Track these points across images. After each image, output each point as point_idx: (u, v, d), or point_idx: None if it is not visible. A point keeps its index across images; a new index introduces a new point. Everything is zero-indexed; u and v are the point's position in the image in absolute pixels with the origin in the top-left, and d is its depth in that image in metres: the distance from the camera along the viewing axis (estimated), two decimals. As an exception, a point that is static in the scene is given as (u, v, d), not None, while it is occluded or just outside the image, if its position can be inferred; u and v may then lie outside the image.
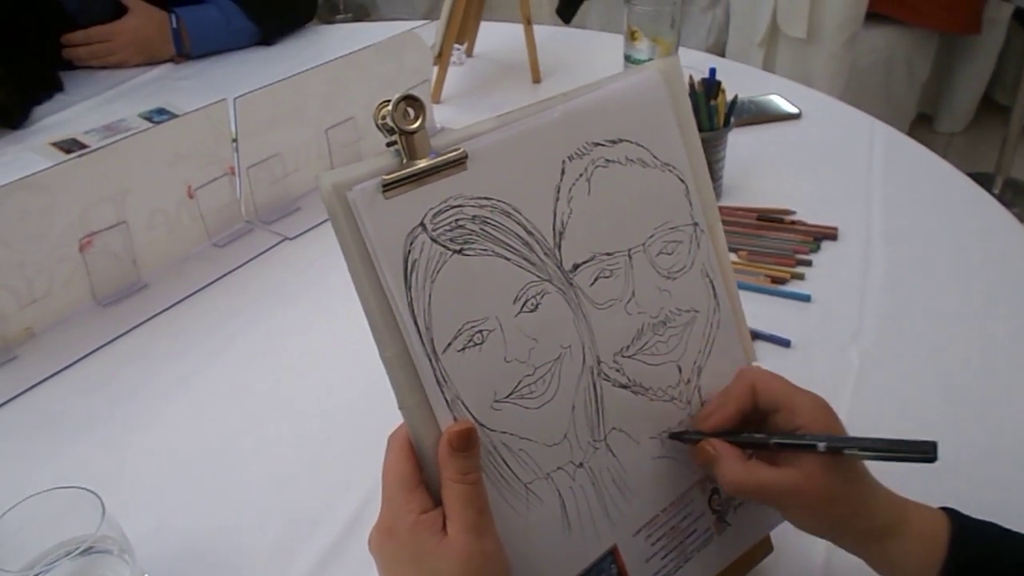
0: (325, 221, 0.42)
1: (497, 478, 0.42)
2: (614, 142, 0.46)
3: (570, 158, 0.45)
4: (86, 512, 0.52)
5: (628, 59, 1.20)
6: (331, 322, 0.81)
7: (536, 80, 1.36)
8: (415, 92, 0.39)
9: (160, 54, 1.47)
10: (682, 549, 0.49)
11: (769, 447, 0.46)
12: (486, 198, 0.42)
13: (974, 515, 0.46)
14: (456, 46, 1.35)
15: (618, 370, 0.46)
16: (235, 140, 0.94)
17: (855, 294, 0.83)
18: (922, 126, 2.71)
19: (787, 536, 0.49)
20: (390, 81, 1.08)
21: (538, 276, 0.43)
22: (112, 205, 0.85)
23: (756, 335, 0.76)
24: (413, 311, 0.40)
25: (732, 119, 0.95)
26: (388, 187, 0.39)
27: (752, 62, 2.21)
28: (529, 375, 0.43)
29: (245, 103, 0.92)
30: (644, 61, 1.16)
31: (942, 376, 0.72)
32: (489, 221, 0.42)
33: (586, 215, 0.45)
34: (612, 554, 0.46)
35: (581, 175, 0.45)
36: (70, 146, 1.17)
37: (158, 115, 1.26)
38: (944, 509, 0.46)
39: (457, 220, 0.41)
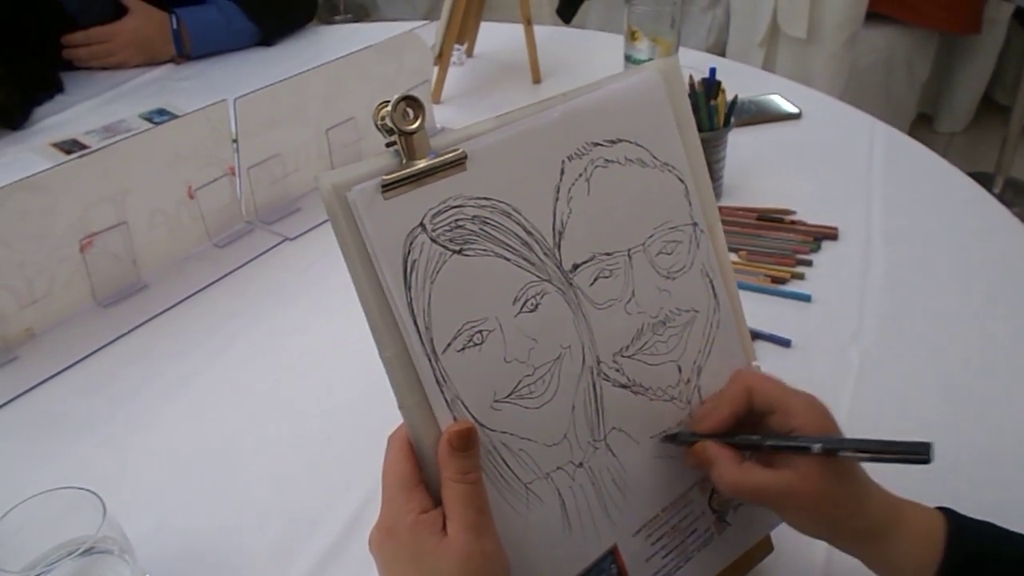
0: (325, 221, 0.42)
1: (497, 478, 0.42)
2: (613, 142, 0.46)
3: (569, 158, 0.45)
4: (87, 512, 0.52)
5: (628, 59, 1.20)
6: (331, 322, 0.81)
7: (536, 80, 1.36)
8: (415, 92, 0.39)
9: (160, 55, 1.47)
10: (682, 549, 0.49)
11: (763, 449, 0.46)
12: (486, 198, 0.42)
13: (975, 515, 0.46)
14: (456, 46, 1.35)
15: (618, 370, 0.46)
16: (235, 140, 0.94)
17: (855, 294, 0.83)
18: (922, 126, 2.71)
19: (787, 536, 0.49)
20: (390, 81, 1.08)
21: (538, 276, 0.43)
22: (112, 206, 0.85)
23: (756, 335, 0.76)
24: (413, 311, 0.40)
25: (732, 119, 0.95)
26: (388, 187, 0.39)
27: (752, 62, 2.20)
28: (529, 375, 0.43)
29: (245, 104, 0.92)
30: (644, 61, 1.16)
31: (942, 376, 0.72)
32: (489, 221, 0.42)
33: (586, 215, 0.45)
34: (612, 554, 0.47)
35: (580, 175, 0.45)
36: (70, 147, 1.17)
37: (158, 116, 1.26)
38: (940, 509, 0.46)
39: (457, 220, 0.41)
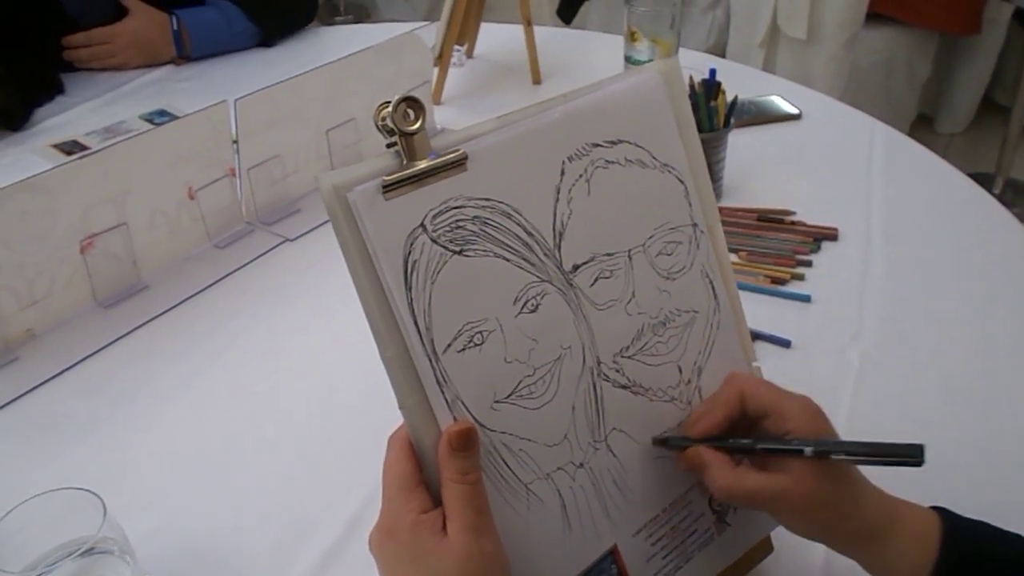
0: (325, 222, 0.42)
1: (497, 478, 0.42)
2: (613, 143, 0.46)
3: (570, 159, 0.45)
4: (87, 513, 0.52)
5: (628, 60, 1.20)
6: (331, 323, 0.81)
7: (536, 81, 1.36)
8: (415, 93, 0.39)
9: (161, 56, 1.47)
10: (682, 549, 0.50)
11: (756, 453, 0.46)
12: (486, 199, 0.42)
13: (974, 516, 0.46)
14: (456, 47, 1.35)
15: (618, 371, 0.46)
16: (235, 141, 0.94)
17: (855, 294, 0.83)
18: (922, 127, 2.71)
19: (787, 537, 0.49)
20: (390, 82, 1.08)
21: (538, 277, 0.43)
22: (113, 206, 0.85)
23: (756, 336, 0.76)
24: (413, 312, 0.40)
25: (732, 120, 0.95)
26: (388, 188, 0.39)
27: (752, 63, 2.20)
28: (529, 376, 0.43)
29: (245, 104, 0.92)
30: (644, 62, 1.16)
31: (942, 376, 0.72)
32: (489, 222, 0.42)
33: (586, 216, 0.45)
34: (612, 554, 0.47)
35: (581, 176, 0.45)
36: (71, 148, 1.17)
37: (159, 117, 1.27)
38: (935, 508, 0.46)
39: (457, 221, 0.41)
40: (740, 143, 1.05)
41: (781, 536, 0.54)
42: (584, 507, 0.45)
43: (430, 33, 1.21)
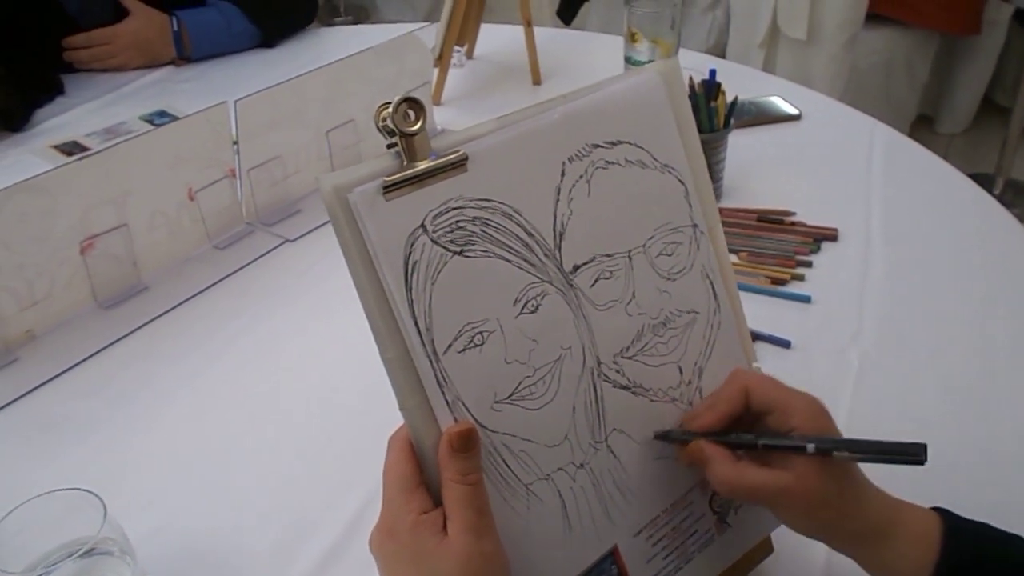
0: (326, 223, 0.42)
1: (497, 479, 0.42)
2: (614, 144, 0.46)
3: (570, 160, 0.45)
4: (87, 513, 0.52)
5: (628, 61, 1.20)
6: (331, 324, 0.81)
7: (536, 82, 1.36)
8: (415, 94, 0.39)
9: (161, 57, 1.47)
10: (683, 550, 0.50)
11: (758, 448, 0.46)
12: (486, 200, 0.42)
13: (974, 516, 0.46)
14: (456, 48, 1.35)
15: (618, 371, 0.46)
16: (236, 142, 0.94)
17: (855, 295, 0.83)
18: (922, 127, 2.71)
19: (787, 537, 0.49)
20: (390, 83, 1.09)
21: (538, 277, 0.43)
22: (113, 207, 0.85)
23: (756, 336, 0.76)
24: (414, 312, 0.40)
25: (732, 120, 0.95)
26: (389, 189, 0.39)
27: (752, 63, 2.21)
28: (529, 376, 0.43)
29: (246, 105, 0.92)
30: (644, 63, 1.16)
31: (942, 377, 0.72)
32: (489, 223, 0.42)
33: (586, 216, 0.45)
34: (613, 555, 0.47)
35: (581, 176, 0.45)
36: (71, 148, 1.17)
37: (159, 118, 1.27)
38: (936, 509, 0.46)
39: (457, 222, 0.41)
40: (740, 144, 1.05)
41: (781, 536, 0.54)
42: (584, 508, 0.45)
43: (430, 34, 1.21)
